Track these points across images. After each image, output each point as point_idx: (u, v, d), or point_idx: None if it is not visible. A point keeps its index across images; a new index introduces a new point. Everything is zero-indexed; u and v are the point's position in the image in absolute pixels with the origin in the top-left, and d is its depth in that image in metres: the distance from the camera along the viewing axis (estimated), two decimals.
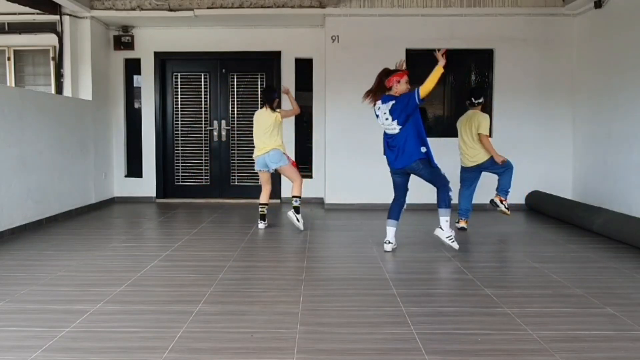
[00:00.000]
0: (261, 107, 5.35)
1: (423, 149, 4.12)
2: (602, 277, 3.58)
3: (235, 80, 7.45)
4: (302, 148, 7.43)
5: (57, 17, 6.45)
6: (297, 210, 5.19)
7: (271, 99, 5.25)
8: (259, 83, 7.44)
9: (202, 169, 7.57)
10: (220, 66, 7.44)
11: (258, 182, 7.38)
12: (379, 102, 4.20)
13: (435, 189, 4.25)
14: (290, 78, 7.25)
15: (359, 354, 2.29)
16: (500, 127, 6.68)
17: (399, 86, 4.13)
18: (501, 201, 5.23)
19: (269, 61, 7.32)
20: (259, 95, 7.41)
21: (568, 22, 6.61)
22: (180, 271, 3.68)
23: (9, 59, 6.75)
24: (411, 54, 6.73)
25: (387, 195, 6.73)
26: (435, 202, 4.24)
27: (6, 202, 4.87)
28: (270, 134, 5.15)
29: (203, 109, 7.50)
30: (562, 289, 3.26)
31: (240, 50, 7.26)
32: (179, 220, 5.99)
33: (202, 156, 7.55)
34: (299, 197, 5.21)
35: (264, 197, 5.41)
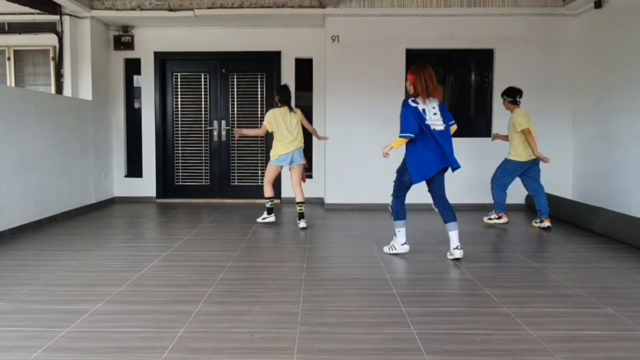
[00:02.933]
0: (281, 107, 5.39)
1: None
2: (602, 277, 3.58)
3: (235, 80, 7.45)
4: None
5: (57, 17, 6.44)
6: (301, 215, 5.40)
7: (290, 98, 5.45)
8: (259, 83, 7.43)
9: (202, 169, 7.57)
10: (220, 66, 7.44)
11: (258, 182, 7.42)
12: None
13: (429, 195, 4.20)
14: (290, 78, 7.25)
15: (358, 354, 2.29)
16: (501, 127, 6.67)
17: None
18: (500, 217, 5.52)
19: (269, 61, 7.32)
20: (259, 96, 7.41)
21: (568, 22, 6.61)
22: (180, 271, 3.68)
23: (9, 59, 6.75)
24: (411, 54, 6.74)
25: (386, 196, 6.74)
26: (433, 201, 4.16)
27: (6, 202, 4.87)
28: (298, 133, 5.38)
29: (203, 109, 7.50)
30: (562, 289, 3.26)
31: (240, 50, 7.26)
32: (179, 220, 5.99)
33: (202, 156, 7.55)
34: (304, 202, 5.43)
35: (272, 191, 5.61)
